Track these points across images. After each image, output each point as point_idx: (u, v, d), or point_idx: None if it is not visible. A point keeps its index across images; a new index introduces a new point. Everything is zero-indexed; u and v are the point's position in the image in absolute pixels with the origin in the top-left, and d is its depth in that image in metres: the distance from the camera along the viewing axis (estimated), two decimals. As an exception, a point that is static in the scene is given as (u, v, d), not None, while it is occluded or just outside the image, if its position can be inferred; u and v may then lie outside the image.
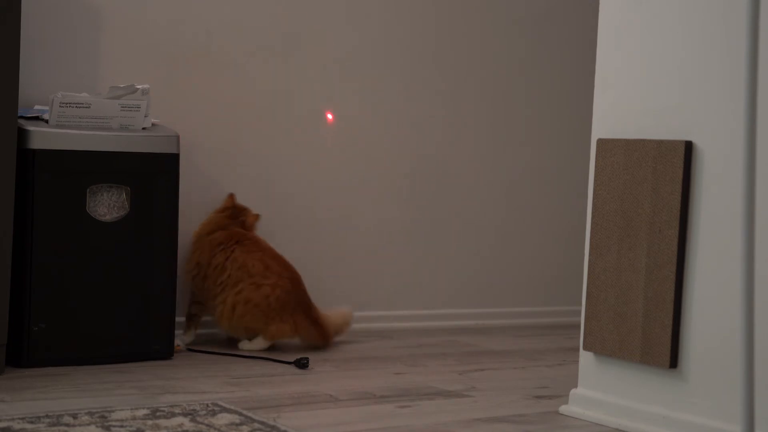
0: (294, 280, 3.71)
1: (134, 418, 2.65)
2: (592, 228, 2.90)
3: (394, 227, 4.33)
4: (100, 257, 3.35)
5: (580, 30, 4.55)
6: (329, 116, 4.14)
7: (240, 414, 2.74)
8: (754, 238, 1.65)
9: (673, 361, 2.70)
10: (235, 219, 3.82)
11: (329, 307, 3.95)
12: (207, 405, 2.82)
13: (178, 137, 3.48)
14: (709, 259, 2.65)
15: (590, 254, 2.90)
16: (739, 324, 1.65)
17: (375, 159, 4.27)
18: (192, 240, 3.80)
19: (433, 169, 4.39)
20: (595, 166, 2.90)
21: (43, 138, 3.27)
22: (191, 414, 2.72)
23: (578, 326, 3.07)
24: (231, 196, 3.85)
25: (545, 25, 4.60)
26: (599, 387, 2.90)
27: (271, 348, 3.67)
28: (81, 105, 3.35)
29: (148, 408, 2.76)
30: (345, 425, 2.76)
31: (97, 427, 2.56)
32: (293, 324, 3.65)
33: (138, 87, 3.43)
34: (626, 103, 2.87)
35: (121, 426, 2.57)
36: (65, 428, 2.54)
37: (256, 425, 2.64)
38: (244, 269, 3.66)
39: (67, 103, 3.33)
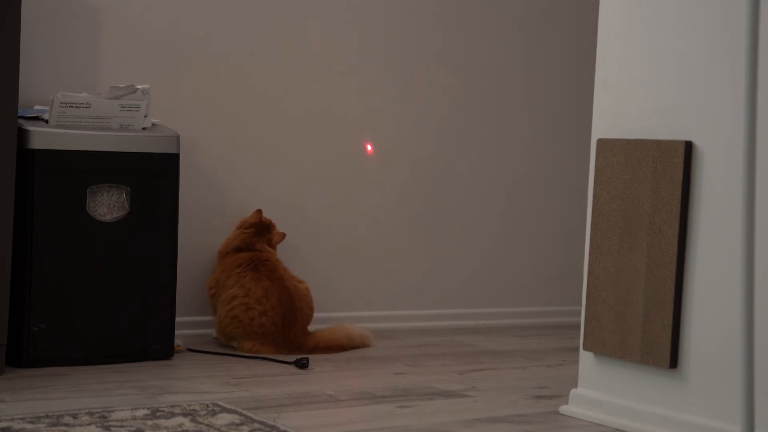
0: (288, 317, 3.67)
1: (134, 418, 2.65)
2: (592, 228, 2.90)
3: (394, 227, 4.33)
4: (100, 257, 3.35)
5: (580, 30, 4.55)
6: (369, 147, 4.16)
7: (240, 414, 2.74)
8: (754, 238, 1.65)
9: (673, 361, 2.70)
10: (260, 236, 3.81)
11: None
12: (207, 405, 2.82)
13: (178, 137, 3.48)
14: (709, 259, 2.65)
15: (590, 254, 2.90)
16: (739, 324, 1.65)
17: (375, 159, 4.26)
18: (217, 256, 3.81)
19: (433, 169, 4.39)
20: (595, 166, 2.90)
21: (43, 138, 3.27)
22: (191, 414, 2.72)
23: (578, 326, 3.07)
24: (258, 211, 3.83)
25: (545, 25, 4.60)
26: (599, 387, 2.90)
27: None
28: (81, 105, 3.35)
29: (148, 408, 2.76)
30: (345, 425, 2.76)
31: (97, 427, 2.56)
32: (273, 351, 3.62)
33: (138, 87, 3.43)
34: (626, 103, 2.87)
35: (121, 426, 2.57)
36: (65, 428, 2.54)
37: (256, 425, 2.64)
38: (246, 293, 3.66)
39: (67, 103, 3.33)
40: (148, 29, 3.82)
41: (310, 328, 3.77)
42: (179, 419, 2.66)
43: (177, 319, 3.56)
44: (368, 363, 3.59)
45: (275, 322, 3.64)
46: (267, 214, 3.88)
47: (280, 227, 3.91)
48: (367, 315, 4.22)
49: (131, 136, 3.40)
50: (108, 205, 3.37)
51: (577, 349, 3.03)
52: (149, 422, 2.62)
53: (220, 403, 2.85)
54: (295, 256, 4.02)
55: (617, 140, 2.84)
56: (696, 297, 2.68)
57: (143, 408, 2.76)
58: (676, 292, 2.70)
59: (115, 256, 3.37)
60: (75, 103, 3.34)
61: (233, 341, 3.68)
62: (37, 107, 3.51)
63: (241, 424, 2.64)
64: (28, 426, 2.54)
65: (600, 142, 2.89)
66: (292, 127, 4.10)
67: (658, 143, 2.74)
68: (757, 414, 1.79)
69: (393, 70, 4.29)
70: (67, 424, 2.57)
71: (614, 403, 2.85)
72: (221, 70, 3.95)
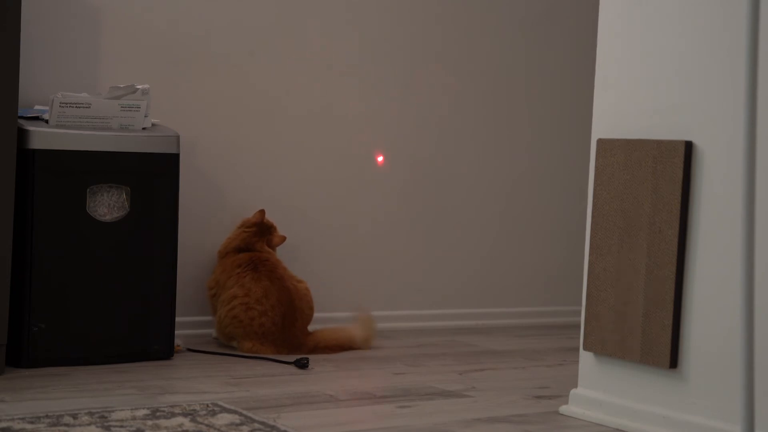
0: (288, 317, 3.67)
1: (134, 418, 2.65)
2: (592, 228, 2.90)
3: (394, 227, 4.33)
4: (100, 257, 3.35)
5: (580, 30, 4.55)
6: (379, 158, 4.17)
7: (240, 414, 2.74)
8: (754, 238, 1.65)
9: (673, 361, 2.70)
10: (261, 236, 3.81)
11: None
12: (207, 405, 2.82)
13: (178, 137, 3.48)
14: (709, 259, 2.65)
15: (590, 254, 2.90)
16: (739, 324, 1.65)
17: (375, 159, 4.26)
18: (217, 256, 3.81)
19: (433, 169, 4.39)
20: (595, 166, 2.90)
21: (43, 138, 3.27)
22: (191, 414, 2.72)
23: (578, 326, 3.07)
24: (261, 211, 3.84)
25: (545, 25, 4.60)
26: (599, 387, 2.90)
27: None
28: (81, 105, 3.35)
29: (148, 408, 2.76)
30: (345, 425, 2.76)
31: (97, 427, 2.56)
32: (273, 351, 3.62)
33: (138, 87, 3.43)
34: (626, 103, 2.87)
35: (121, 426, 2.57)
36: (65, 428, 2.54)
37: (256, 425, 2.64)
38: (246, 293, 3.66)
39: (67, 103, 3.33)
40: (148, 29, 3.82)
41: (310, 328, 3.78)
42: (179, 419, 2.66)
43: (177, 319, 3.56)
44: (368, 363, 3.59)
45: (275, 322, 3.64)
46: (267, 214, 3.88)
47: (280, 227, 3.91)
48: (367, 315, 4.22)
49: (131, 136, 3.40)
50: (108, 205, 3.37)
51: (577, 349, 3.03)
52: (149, 422, 2.62)
53: (220, 403, 2.85)
54: (295, 256, 4.02)
55: (617, 140, 2.84)
56: (696, 297, 2.68)
57: (143, 408, 2.76)
58: (676, 292, 2.70)
59: (115, 256, 3.37)
60: (75, 103, 3.34)
61: (233, 341, 3.68)
62: (37, 107, 3.51)
63: (241, 424, 2.64)
64: (28, 426, 2.54)
65: (600, 142, 2.89)
66: (292, 127, 4.10)
67: (658, 143, 2.74)
68: (757, 414, 1.79)
69: (393, 70, 4.29)
70: (67, 424, 2.57)
71: (614, 403, 2.85)
72: (221, 70, 3.95)
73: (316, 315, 3.84)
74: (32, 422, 2.58)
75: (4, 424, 2.54)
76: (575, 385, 2.99)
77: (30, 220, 3.24)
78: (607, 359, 2.88)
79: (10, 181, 3.12)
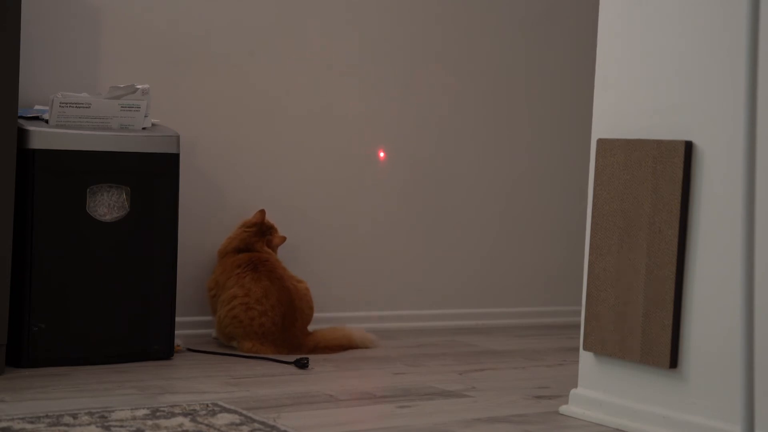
0: (287, 317, 3.67)
1: (134, 418, 2.65)
2: (592, 228, 2.90)
3: (394, 227, 4.33)
4: (100, 257, 3.35)
5: (580, 30, 4.55)
6: (381, 154, 4.18)
7: (240, 414, 2.74)
8: (754, 238, 1.65)
9: (673, 361, 2.70)
10: (261, 236, 3.81)
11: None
12: (207, 405, 2.82)
13: (178, 137, 3.48)
14: (709, 259, 2.65)
15: (590, 254, 2.90)
16: (739, 324, 1.65)
17: (375, 159, 4.26)
18: (217, 256, 3.81)
19: (433, 169, 4.39)
20: (595, 166, 2.90)
21: (43, 138, 3.27)
22: (191, 414, 2.72)
23: (578, 326, 3.07)
24: (262, 212, 3.84)
25: (545, 25, 4.60)
26: (599, 387, 2.90)
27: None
28: (81, 105, 3.35)
29: (148, 408, 2.76)
30: (345, 425, 2.76)
31: (97, 427, 2.56)
32: (273, 351, 3.62)
33: (138, 87, 3.43)
34: (626, 103, 2.87)
35: (121, 426, 2.57)
36: (65, 428, 2.54)
37: (256, 425, 2.64)
38: (246, 293, 3.66)
39: (67, 103, 3.33)
40: (148, 29, 3.82)
41: (310, 328, 3.78)
42: (179, 419, 2.66)
43: (177, 319, 3.56)
44: (368, 363, 3.59)
45: (275, 322, 3.64)
46: (267, 214, 3.88)
47: (280, 227, 3.91)
48: (367, 315, 4.22)
49: (131, 136, 3.40)
50: (108, 205, 3.37)
51: (577, 349, 3.03)
52: (149, 422, 2.62)
53: (220, 403, 2.85)
54: (295, 256, 4.02)
55: (617, 140, 2.84)
56: (696, 297, 2.68)
57: (143, 408, 2.76)
58: (676, 292, 2.70)
59: (115, 256, 3.37)
60: (75, 103, 3.34)
61: (233, 341, 3.68)
62: (37, 107, 3.51)
63: (241, 424, 2.64)
64: (28, 426, 2.54)
65: (600, 142, 2.89)
66: (292, 127, 4.10)
67: (658, 143, 2.74)
68: (757, 414, 1.79)
69: (393, 70, 4.29)
70: (67, 424, 2.57)
71: (614, 403, 2.85)
72: (221, 70, 3.95)
73: (316, 315, 3.85)
74: (32, 422, 2.58)
75: (4, 424, 2.54)
76: (575, 385, 2.99)
77: (30, 220, 3.24)
78: (607, 359, 2.88)
79: (10, 181, 3.12)
